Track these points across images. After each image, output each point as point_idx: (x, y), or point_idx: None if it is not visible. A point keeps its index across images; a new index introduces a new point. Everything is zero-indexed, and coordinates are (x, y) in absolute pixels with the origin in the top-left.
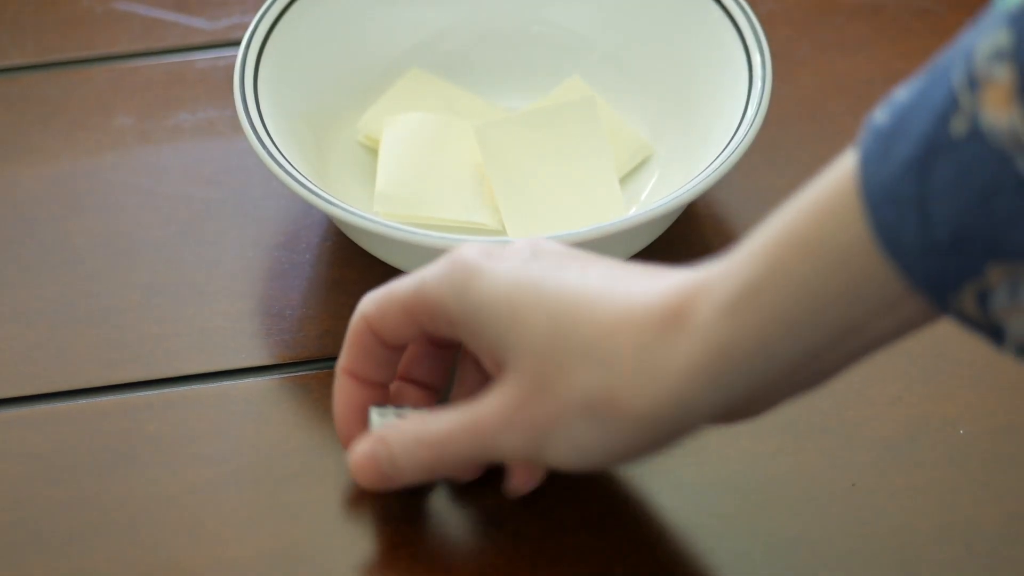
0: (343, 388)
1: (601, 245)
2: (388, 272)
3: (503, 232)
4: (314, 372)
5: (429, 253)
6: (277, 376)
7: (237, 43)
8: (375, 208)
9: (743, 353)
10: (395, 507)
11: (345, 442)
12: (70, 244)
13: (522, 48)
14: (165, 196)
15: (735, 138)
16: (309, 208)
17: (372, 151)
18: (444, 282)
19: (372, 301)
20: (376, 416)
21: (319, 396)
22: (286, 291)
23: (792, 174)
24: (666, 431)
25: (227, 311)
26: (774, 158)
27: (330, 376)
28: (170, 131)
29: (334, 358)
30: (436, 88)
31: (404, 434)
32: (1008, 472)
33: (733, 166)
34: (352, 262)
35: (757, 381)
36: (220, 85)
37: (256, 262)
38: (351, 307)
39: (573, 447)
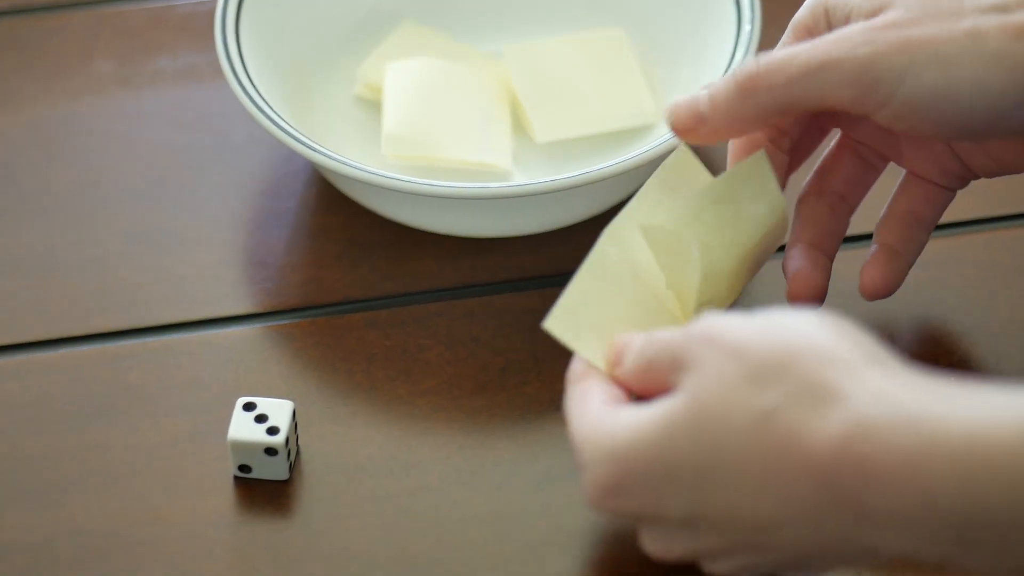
0: None
1: (587, 190)
2: (372, 220)
3: (511, 174)
4: (297, 321)
5: (413, 199)
6: (260, 325)
7: None
8: (383, 150)
9: None
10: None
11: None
12: (49, 191)
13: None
14: (146, 142)
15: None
16: (292, 155)
17: (362, 102)
18: None
19: None
20: None
21: (302, 345)
22: (269, 239)
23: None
24: None
25: (209, 259)
26: None
27: (313, 325)
28: (151, 76)
29: (317, 307)
30: (431, 39)
31: (725, 77)
32: None
33: None
34: (335, 209)
35: None
36: (202, 30)
37: (238, 210)
38: (335, 255)
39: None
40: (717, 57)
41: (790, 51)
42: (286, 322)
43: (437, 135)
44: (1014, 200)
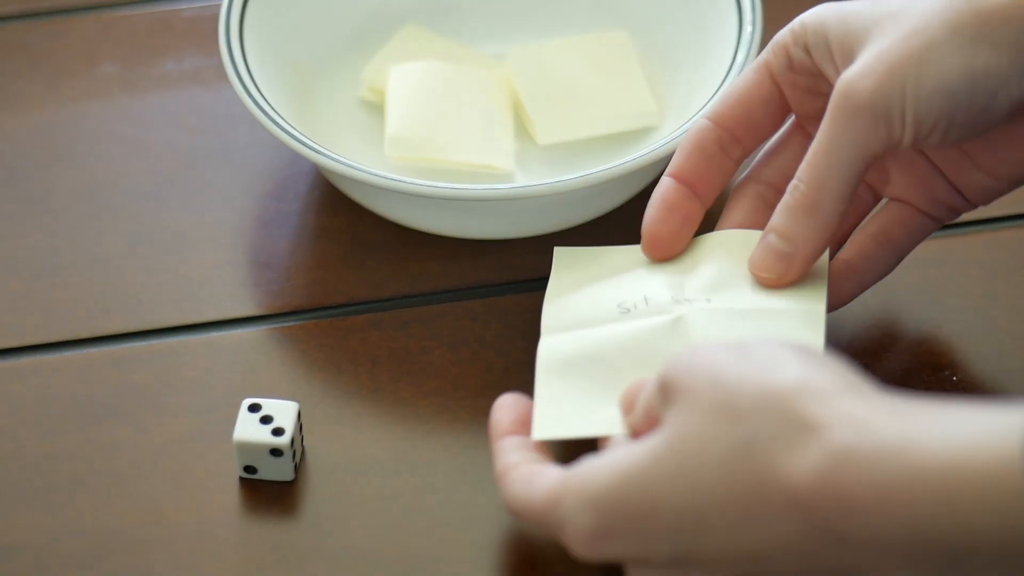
0: (668, 188)
1: (589, 192)
2: (375, 221)
3: (514, 176)
4: (301, 322)
5: (416, 201)
6: (264, 327)
7: None
8: (386, 152)
9: None
10: (383, 456)
11: (651, 242)
12: (55, 193)
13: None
14: (151, 145)
15: (724, 85)
16: (296, 157)
17: (366, 104)
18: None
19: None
20: None
21: (306, 346)
22: (273, 240)
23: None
24: None
25: (214, 261)
26: None
27: (317, 327)
28: (156, 80)
29: (322, 308)
30: (433, 42)
31: (779, 211)
32: None
33: None
34: (339, 211)
35: None
36: (207, 33)
37: (243, 212)
38: (339, 257)
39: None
40: (719, 59)
41: (811, 151)
42: (291, 324)
43: (440, 137)
44: (1014, 200)
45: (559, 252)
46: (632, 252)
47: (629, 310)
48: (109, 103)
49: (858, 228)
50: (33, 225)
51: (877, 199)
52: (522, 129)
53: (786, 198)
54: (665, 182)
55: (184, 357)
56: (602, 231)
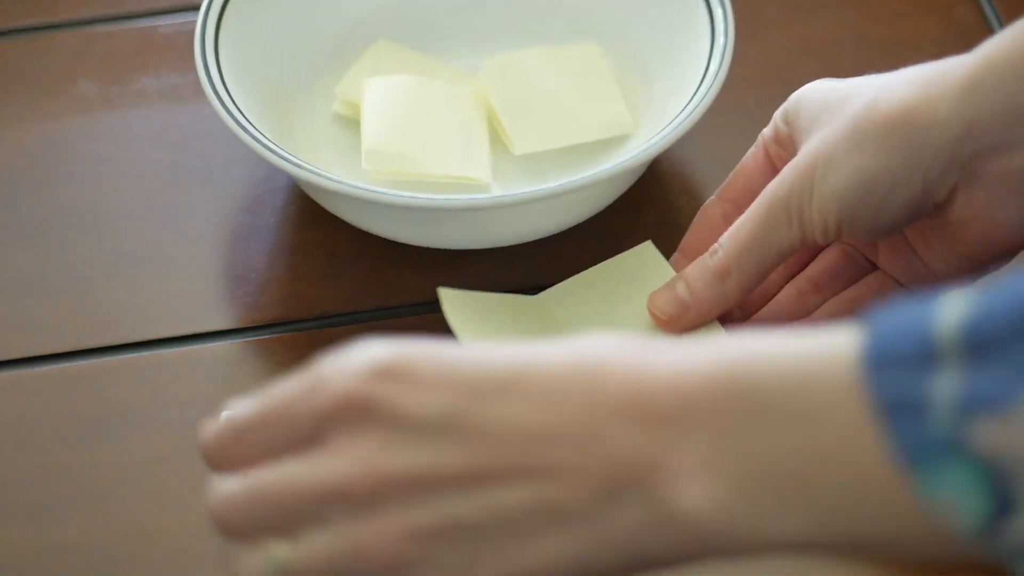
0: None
1: (565, 200)
2: (352, 234)
3: (490, 187)
4: (278, 335)
5: (394, 212)
6: (241, 340)
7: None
8: (363, 165)
9: None
10: None
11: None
12: (34, 211)
13: (487, 13)
14: (129, 162)
15: (697, 94)
16: (273, 172)
17: (341, 120)
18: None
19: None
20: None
21: (283, 359)
22: (250, 255)
23: (758, 135)
24: None
25: (192, 276)
26: (740, 119)
27: (294, 339)
28: (134, 97)
29: (298, 320)
30: (406, 57)
31: (695, 264)
32: None
33: (696, 122)
34: (316, 225)
35: None
36: (184, 50)
37: (221, 226)
38: (315, 270)
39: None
40: (691, 68)
41: (737, 224)
42: (267, 336)
43: (416, 150)
44: None
45: (445, 294)
46: (519, 302)
47: None
48: (88, 121)
49: (839, 295)
50: (13, 244)
51: (873, 266)
52: (498, 140)
53: (705, 256)
54: (675, 257)
55: (162, 371)
56: (579, 239)
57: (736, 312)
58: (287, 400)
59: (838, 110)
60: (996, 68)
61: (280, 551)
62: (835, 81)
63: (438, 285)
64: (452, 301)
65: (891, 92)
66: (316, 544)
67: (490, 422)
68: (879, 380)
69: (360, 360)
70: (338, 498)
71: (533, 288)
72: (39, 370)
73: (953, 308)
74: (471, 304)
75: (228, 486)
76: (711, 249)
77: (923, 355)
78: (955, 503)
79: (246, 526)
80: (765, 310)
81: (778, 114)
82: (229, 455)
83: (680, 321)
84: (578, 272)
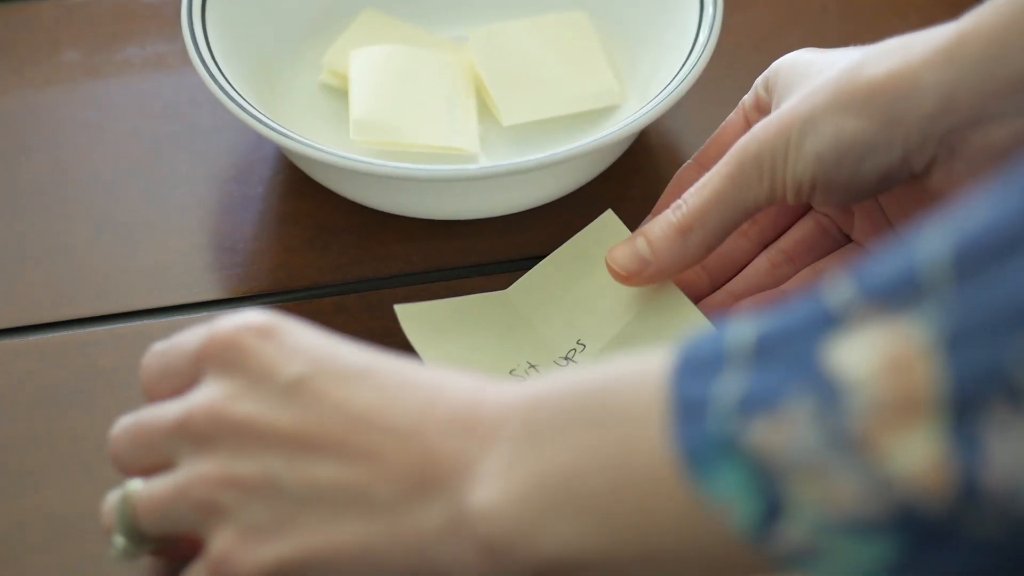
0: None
1: (553, 171)
2: (340, 204)
3: (478, 157)
4: (266, 306)
5: (382, 182)
6: (229, 310)
7: None
8: (351, 135)
9: None
10: None
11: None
12: (19, 181)
13: None
14: (114, 131)
15: (686, 64)
16: (260, 141)
17: (327, 89)
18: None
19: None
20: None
21: None
22: (238, 225)
23: None
24: None
25: (179, 246)
26: (727, 88)
27: (283, 310)
28: (119, 66)
29: (287, 291)
30: (393, 27)
31: (657, 219)
32: None
33: (684, 93)
34: (304, 195)
35: None
36: (170, 19)
37: (207, 196)
38: (303, 241)
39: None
40: (681, 37)
41: (702, 180)
42: (256, 307)
43: (405, 120)
44: None
45: (402, 310)
46: (483, 304)
47: (522, 378)
48: (72, 89)
49: (812, 266)
50: None
51: (847, 239)
52: (486, 110)
53: (668, 212)
54: (647, 221)
55: (149, 341)
56: (567, 210)
57: (706, 280)
58: (182, 340)
59: (819, 76)
60: (976, 39)
61: (132, 484)
62: (817, 51)
63: (426, 255)
64: (410, 318)
65: (876, 59)
66: (159, 481)
67: (333, 397)
68: (674, 385)
69: (244, 317)
70: (182, 431)
71: (521, 259)
72: (23, 340)
73: (758, 317)
74: (430, 316)
75: (122, 419)
76: (674, 204)
77: (716, 358)
78: (730, 505)
79: (124, 458)
80: (737, 280)
81: (759, 81)
82: (150, 389)
83: (638, 277)
84: (563, 243)
